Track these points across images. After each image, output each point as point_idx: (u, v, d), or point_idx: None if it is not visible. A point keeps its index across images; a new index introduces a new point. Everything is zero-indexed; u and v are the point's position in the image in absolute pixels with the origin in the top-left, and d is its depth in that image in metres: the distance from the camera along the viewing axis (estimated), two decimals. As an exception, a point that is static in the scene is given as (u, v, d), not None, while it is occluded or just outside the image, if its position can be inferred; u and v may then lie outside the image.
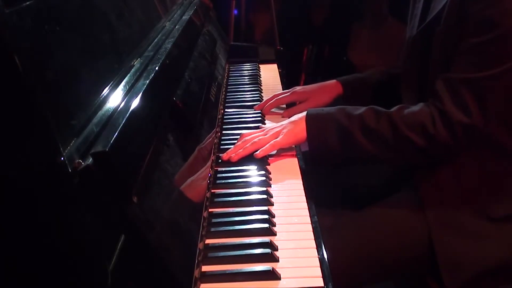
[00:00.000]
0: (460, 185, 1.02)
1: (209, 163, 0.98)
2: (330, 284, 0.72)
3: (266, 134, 1.07)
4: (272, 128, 1.09)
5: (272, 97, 1.34)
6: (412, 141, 0.97)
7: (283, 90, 1.46)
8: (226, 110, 1.33)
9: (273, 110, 1.33)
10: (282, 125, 1.08)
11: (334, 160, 1.08)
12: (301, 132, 1.05)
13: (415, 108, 1.00)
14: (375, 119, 1.00)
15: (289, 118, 1.26)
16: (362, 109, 1.02)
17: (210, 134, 1.06)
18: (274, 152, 1.07)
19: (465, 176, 1.02)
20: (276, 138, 1.06)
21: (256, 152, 1.03)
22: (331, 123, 1.03)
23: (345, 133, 1.01)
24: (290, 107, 1.35)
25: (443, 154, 1.01)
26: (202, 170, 0.92)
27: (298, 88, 1.35)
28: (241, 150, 1.04)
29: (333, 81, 1.34)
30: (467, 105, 0.94)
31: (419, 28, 1.09)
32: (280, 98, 1.32)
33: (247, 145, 1.05)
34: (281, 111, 1.33)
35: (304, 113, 1.07)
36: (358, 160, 1.11)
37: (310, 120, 1.05)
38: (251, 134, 1.09)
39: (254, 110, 1.32)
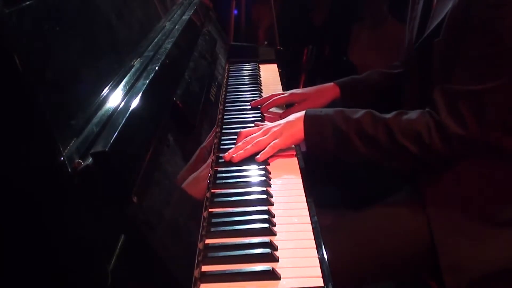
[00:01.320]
0: (462, 190, 1.02)
1: (209, 163, 0.98)
2: (330, 284, 0.71)
3: (265, 134, 1.07)
4: (270, 128, 1.08)
5: (270, 96, 1.34)
6: (407, 148, 0.98)
7: (283, 90, 1.47)
8: (226, 110, 1.33)
9: (271, 110, 1.34)
10: (280, 124, 1.08)
11: (331, 160, 1.09)
12: (299, 133, 1.05)
13: (413, 115, 1.00)
14: (372, 124, 1.00)
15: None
16: (360, 113, 1.03)
17: (210, 134, 1.06)
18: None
19: (467, 181, 1.02)
20: (275, 139, 1.06)
21: (257, 156, 1.04)
22: (329, 125, 1.03)
23: (341, 136, 1.02)
24: (288, 107, 1.35)
25: (437, 162, 1.02)
26: (202, 170, 0.92)
27: (295, 90, 1.36)
28: (241, 151, 1.04)
29: (331, 84, 1.35)
30: (464, 117, 0.93)
31: (419, 36, 1.09)
32: (277, 98, 1.33)
33: (248, 147, 1.05)
34: (280, 111, 1.34)
35: (302, 113, 1.07)
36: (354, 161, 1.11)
37: (307, 120, 1.05)
38: (250, 133, 1.09)
39: (254, 110, 1.32)
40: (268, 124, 1.12)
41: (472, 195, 1.01)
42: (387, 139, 0.99)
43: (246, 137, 1.08)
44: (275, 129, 1.08)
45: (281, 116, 1.29)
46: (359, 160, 1.06)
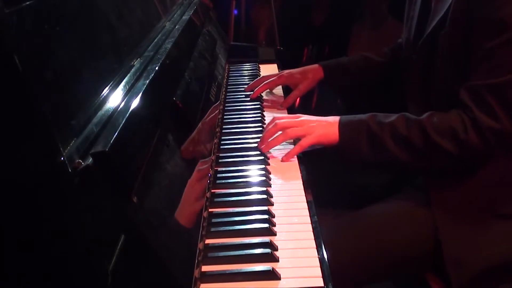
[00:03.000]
0: (468, 183, 1.02)
1: (209, 163, 0.98)
2: (330, 284, 0.71)
3: (299, 126, 1.06)
4: (307, 120, 1.07)
5: (260, 79, 1.41)
6: (443, 147, 0.97)
7: (283, 90, 1.49)
8: (226, 110, 1.33)
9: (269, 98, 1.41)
10: (316, 121, 1.07)
11: (366, 164, 1.11)
12: (333, 135, 1.05)
13: (446, 114, 1.00)
14: (406, 126, 1.00)
15: (286, 108, 1.34)
16: (393, 117, 1.03)
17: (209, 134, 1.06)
18: (274, 152, 1.07)
19: (473, 174, 1.02)
20: (308, 134, 1.05)
21: (283, 156, 1.05)
22: (363, 131, 1.03)
23: (376, 141, 1.02)
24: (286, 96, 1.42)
25: (473, 159, 1.01)
26: (202, 170, 0.92)
27: (285, 72, 1.42)
28: (271, 139, 1.05)
29: (316, 65, 1.40)
30: (495, 111, 0.94)
31: (419, 34, 1.09)
32: (268, 82, 1.38)
33: (277, 135, 1.05)
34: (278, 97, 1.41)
35: (337, 118, 1.06)
36: (389, 166, 1.13)
37: (342, 126, 1.05)
38: (284, 118, 1.08)
39: (254, 111, 1.32)
40: (303, 116, 1.10)
41: (476, 189, 1.01)
42: (422, 139, 0.98)
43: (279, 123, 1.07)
44: (311, 124, 1.06)
45: (281, 105, 1.35)
46: (395, 165, 1.07)
